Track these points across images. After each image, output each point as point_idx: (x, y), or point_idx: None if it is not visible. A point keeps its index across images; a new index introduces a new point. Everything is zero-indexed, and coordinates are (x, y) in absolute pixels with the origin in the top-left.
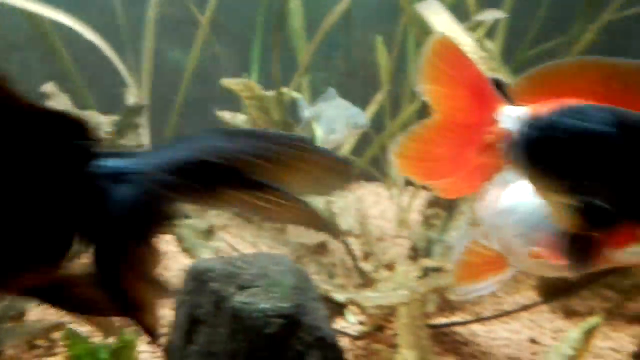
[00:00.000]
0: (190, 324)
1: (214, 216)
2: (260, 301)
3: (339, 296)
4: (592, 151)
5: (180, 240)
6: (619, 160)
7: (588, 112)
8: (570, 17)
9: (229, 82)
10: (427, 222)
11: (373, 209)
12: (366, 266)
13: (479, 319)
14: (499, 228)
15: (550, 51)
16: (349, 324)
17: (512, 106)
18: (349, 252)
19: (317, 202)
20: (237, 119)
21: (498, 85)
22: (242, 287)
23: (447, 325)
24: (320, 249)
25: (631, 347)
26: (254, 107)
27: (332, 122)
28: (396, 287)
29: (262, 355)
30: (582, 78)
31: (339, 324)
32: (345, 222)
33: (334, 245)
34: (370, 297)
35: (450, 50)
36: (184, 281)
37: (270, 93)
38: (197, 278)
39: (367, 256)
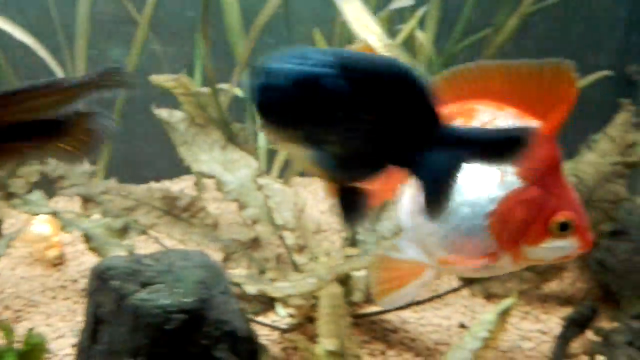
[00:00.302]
0: (94, 324)
1: (142, 215)
2: (162, 297)
3: (250, 288)
4: (314, 95)
5: (88, 239)
6: (341, 104)
7: (308, 56)
8: (499, 8)
9: (159, 79)
10: None
11: (323, 204)
12: (300, 259)
13: (408, 305)
14: (416, 229)
15: (479, 42)
16: (280, 317)
17: None
18: (284, 245)
19: (255, 197)
20: (174, 116)
21: None
22: (144, 284)
23: (376, 314)
24: (254, 244)
25: (559, 329)
26: (189, 104)
27: None
28: (306, 276)
29: (164, 351)
30: (484, 80)
31: (270, 317)
32: (281, 216)
33: (268, 239)
34: (280, 288)
35: None
36: (89, 281)
37: (205, 89)
38: (100, 277)
39: (301, 249)
